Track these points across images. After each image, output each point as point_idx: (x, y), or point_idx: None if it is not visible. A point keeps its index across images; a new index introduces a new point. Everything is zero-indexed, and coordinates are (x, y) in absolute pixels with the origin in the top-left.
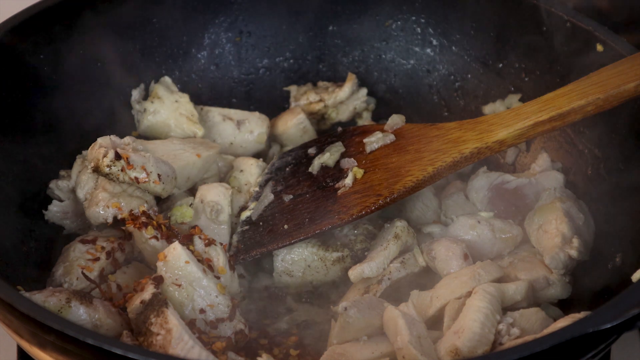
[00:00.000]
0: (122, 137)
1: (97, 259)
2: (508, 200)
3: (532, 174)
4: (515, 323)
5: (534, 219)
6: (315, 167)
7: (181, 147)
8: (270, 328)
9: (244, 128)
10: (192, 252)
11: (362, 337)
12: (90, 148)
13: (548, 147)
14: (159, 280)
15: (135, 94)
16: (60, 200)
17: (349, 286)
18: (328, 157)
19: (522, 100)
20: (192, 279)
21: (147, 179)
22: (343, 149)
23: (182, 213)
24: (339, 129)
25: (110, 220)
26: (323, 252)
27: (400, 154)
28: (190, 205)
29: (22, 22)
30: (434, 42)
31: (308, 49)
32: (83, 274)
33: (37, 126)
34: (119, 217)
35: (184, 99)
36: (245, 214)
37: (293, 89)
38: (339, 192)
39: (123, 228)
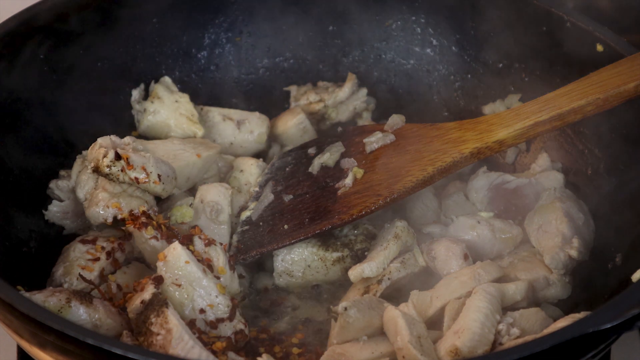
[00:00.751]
0: (122, 137)
1: (97, 259)
2: (508, 200)
3: (532, 174)
4: (515, 323)
5: (534, 219)
6: (315, 167)
7: (181, 147)
8: (271, 328)
9: (244, 128)
10: (192, 252)
11: (362, 337)
12: (90, 148)
13: (548, 147)
14: (159, 280)
15: (135, 94)
16: (60, 200)
17: (349, 286)
18: (328, 157)
19: (522, 100)
20: (192, 279)
21: (147, 179)
22: (343, 149)
23: (182, 213)
24: (339, 129)
25: (110, 220)
26: (323, 252)
27: (400, 154)
28: (190, 205)
29: (22, 22)
30: (434, 42)
31: (308, 49)
32: (80, 275)
33: (37, 126)
34: (119, 217)
35: (184, 99)
36: (245, 214)
37: (293, 89)
38: (339, 192)
39: (123, 228)
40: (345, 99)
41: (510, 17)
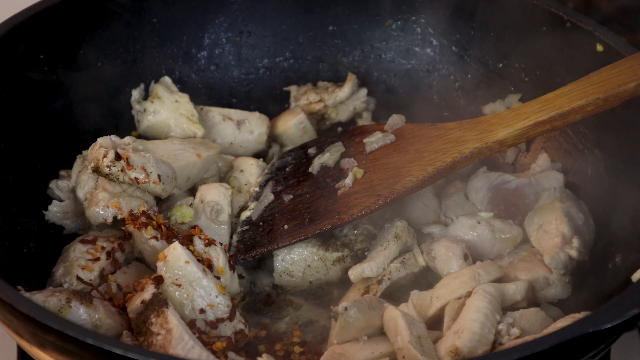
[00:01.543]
0: (122, 137)
1: (97, 259)
2: (508, 200)
3: (532, 174)
4: (515, 323)
5: (534, 219)
6: (315, 167)
7: (181, 147)
8: (271, 327)
9: (244, 128)
10: (192, 252)
11: (362, 337)
12: (90, 148)
13: (548, 147)
14: (159, 280)
15: (135, 94)
16: (60, 200)
17: (348, 286)
18: (328, 157)
19: (522, 100)
20: (192, 279)
21: (147, 180)
22: (343, 149)
23: (182, 213)
24: (339, 129)
25: (110, 220)
26: (323, 252)
27: (400, 154)
28: (190, 205)
29: (22, 22)
30: (434, 42)
31: (308, 49)
32: (78, 277)
33: (37, 126)
34: (119, 217)
35: (184, 99)
36: (245, 214)
37: (293, 89)
38: (339, 192)
39: (123, 228)
40: (345, 99)
41: (510, 17)
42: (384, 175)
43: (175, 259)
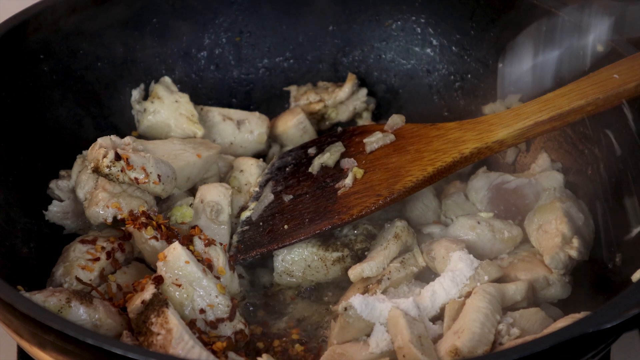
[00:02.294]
0: (122, 137)
1: (97, 259)
2: (508, 200)
3: (532, 174)
4: (515, 323)
5: (533, 219)
6: (315, 167)
7: (181, 147)
8: (271, 326)
9: (244, 128)
10: (192, 252)
11: (362, 337)
12: (90, 148)
13: (548, 147)
14: (159, 280)
15: (135, 94)
16: (60, 200)
17: (348, 286)
18: (328, 157)
19: (522, 100)
20: (192, 279)
21: (146, 180)
22: (343, 149)
23: (182, 213)
24: (339, 129)
25: (110, 220)
26: (323, 252)
27: (400, 154)
28: (190, 205)
29: (22, 23)
30: (434, 42)
31: (308, 49)
32: (77, 278)
33: (37, 126)
34: (119, 217)
35: (184, 99)
36: (245, 214)
37: (293, 89)
38: (339, 192)
39: (123, 228)
40: (345, 99)
41: (510, 17)
42: (384, 175)
43: (175, 259)
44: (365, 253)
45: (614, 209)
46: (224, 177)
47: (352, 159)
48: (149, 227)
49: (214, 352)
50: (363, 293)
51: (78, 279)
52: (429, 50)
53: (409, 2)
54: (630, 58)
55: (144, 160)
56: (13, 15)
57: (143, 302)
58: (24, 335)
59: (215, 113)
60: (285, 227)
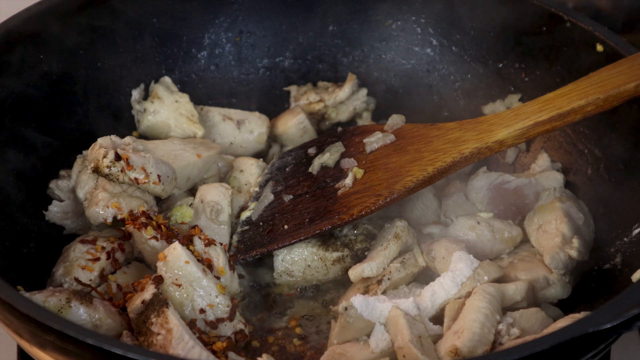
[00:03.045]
0: (122, 137)
1: (97, 259)
2: (508, 200)
3: (532, 174)
4: (515, 323)
5: (533, 219)
6: (315, 167)
7: (182, 147)
8: (270, 325)
9: (244, 128)
10: (192, 252)
11: (362, 337)
12: (90, 148)
13: (548, 147)
14: (159, 280)
15: (135, 94)
16: (61, 200)
17: (348, 286)
18: (328, 157)
19: (522, 100)
20: (192, 279)
21: (146, 180)
22: (343, 149)
23: (182, 213)
24: (339, 129)
25: (110, 220)
26: (323, 252)
27: (400, 154)
28: (190, 205)
29: (22, 23)
30: (434, 42)
31: (308, 49)
32: (76, 279)
33: (38, 126)
34: (119, 217)
35: (184, 99)
36: (245, 214)
37: (293, 89)
38: (339, 192)
39: (123, 228)
40: (345, 99)
41: (510, 17)
42: (384, 175)
43: (175, 259)
44: (365, 253)
45: (614, 208)
46: (224, 177)
47: (352, 159)
48: (149, 227)
49: (214, 352)
50: (363, 293)
51: (77, 280)
52: (429, 50)
53: (409, 2)
54: (630, 58)
55: (144, 160)
56: (13, 15)
57: (143, 302)
58: (24, 335)
59: (215, 113)
60: (285, 227)
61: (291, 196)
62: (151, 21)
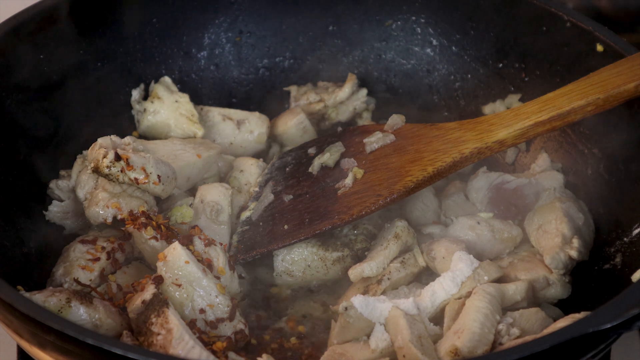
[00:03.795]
0: (122, 137)
1: (97, 259)
2: (508, 200)
3: (532, 174)
4: (515, 323)
5: (533, 219)
6: (315, 167)
7: (182, 147)
8: (271, 326)
9: (244, 128)
10: (192, 252)
11: (362, 337)
12: (90, 148)
13: (548, 147)
14: (159, 280)
15: (135, 94)
16: (61, 200)
17: (348, 286)
18: (328, 157)
19: (522, 100)
20: (192, 279)
21: (146, 180)
22: (343, 149)
23: (182, 213)
24: (339, 129)
25: (110, 220)
26: (323, 252)
27: (400, 154)
28: (190, 205)
29: (22, 23)
30: (434, 42)
31: (308, 49)
32: (75, 279)
33: (38, 126)
34: (119, 217)
35: (184, 99)
36: (245, 214)
37: (293, 89)
38: (339, 192)
39: (123, 228)
40: (345, 99)
41: (510, 17)
42: (384, 175)
43: (175, 259)
44: (365, 253)
45: (614, 209)
46: (224, 177)
47: (352, 159)
48: (148, 227)
49: (214, 352)
50: (363, 293)
51: (77, 281)
52: (429, 50)
53: (409, 2)
54: (630, 58)
55: (144, 160)
56: (13, 15)
57: (143, 302)
58: (24, 335)
59: (215, 113)
60: (285, 227)
61: (291, 196)
62: (151, 21)
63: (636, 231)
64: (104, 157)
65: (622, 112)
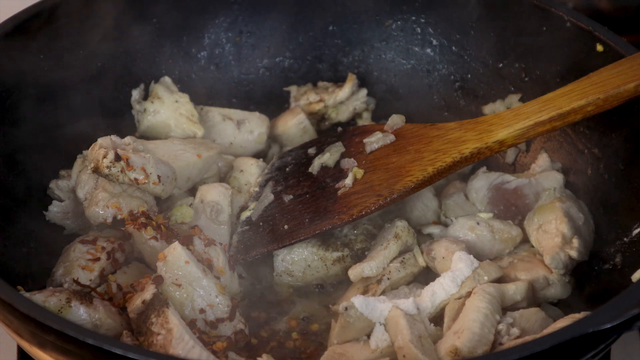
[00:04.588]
0: (122, 137)
1: (97, 259)
2: (508, 201)
3: (532, 174)
4: (515, 323)
5: (533, 219)
6: (315, 167)
7: (182, 147)
8: (271, 327)
9: (244, 128)
10: (192, 252)
11: (362, 337)
12: (90, 148)
13: (548, 147)
14: (159, 280)
15: (135, 94)
16: (61, 201)
17: (348, 286)
18: (328, 157)
19: (522, 100)
20: (192, 279)
21: (146, 180)
22: (343, 149)
23: (182, 213)
24: (339, 129)
25: (110, 220)
26: (323, 252)
27: (400, 154)
28: (190, 205)
29: (22, 22)
30: (434, 42)
31: (308, 49)
32: (74, 280)
33: (37, 126)
34: (119, 217)
35: (184, 99)
36: (245, 214)
37: (293, 89)
38: (339, 192)
39: (123, 228)
40: (345, 99)
41: (510, 17)
42: (384, 175)
43: (175, 259)
44: (365, 253)
45: (614, 208)
46: (224, 177)
47: (352, 159)
48: (148, 227)
49: (214, 352)
50: (363, 293)
51: (76, 282)
52: (429, 50)
53: (409, 2)
54: (630, 58)
55: (144, 160)
56: (14, 15)
57: (143, 302)
58: (24, 335)
59: (215, 113)
60: (285, 227)
61: (291, 196)
62: (151, 21)
63: (636, 231)
64: (104, 157)
65: (622, 112)
